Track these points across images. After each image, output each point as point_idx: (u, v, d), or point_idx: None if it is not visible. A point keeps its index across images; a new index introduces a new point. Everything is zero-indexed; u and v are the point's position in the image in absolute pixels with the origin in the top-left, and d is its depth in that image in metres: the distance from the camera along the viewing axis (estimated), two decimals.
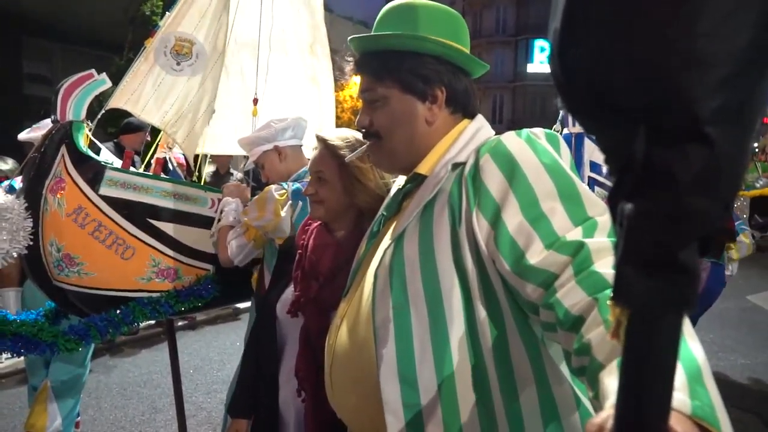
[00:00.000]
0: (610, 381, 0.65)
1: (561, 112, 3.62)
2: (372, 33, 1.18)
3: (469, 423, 0.98)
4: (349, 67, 1.23)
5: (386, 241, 1.14)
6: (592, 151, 3.55)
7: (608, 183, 3.51)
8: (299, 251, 1.58)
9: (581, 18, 0.45)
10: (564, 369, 1.03)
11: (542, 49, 31.04)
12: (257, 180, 2.79)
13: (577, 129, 3.57)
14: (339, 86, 20.19)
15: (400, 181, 1.30)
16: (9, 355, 4.34)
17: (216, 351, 5.44)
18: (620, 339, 0.48)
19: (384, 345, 1.03)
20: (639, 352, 0.46)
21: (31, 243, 1.93)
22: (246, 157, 2.36)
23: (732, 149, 0.43)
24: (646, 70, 0.42)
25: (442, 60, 1.14)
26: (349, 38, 1.18)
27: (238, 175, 2.96)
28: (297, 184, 2.04)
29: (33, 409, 2.90)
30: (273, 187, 2.04)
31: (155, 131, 2.49)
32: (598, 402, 0.69)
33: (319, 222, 1.59)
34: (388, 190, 1.43)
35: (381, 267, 1.09)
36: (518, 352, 0.99)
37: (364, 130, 1.21)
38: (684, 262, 0.43)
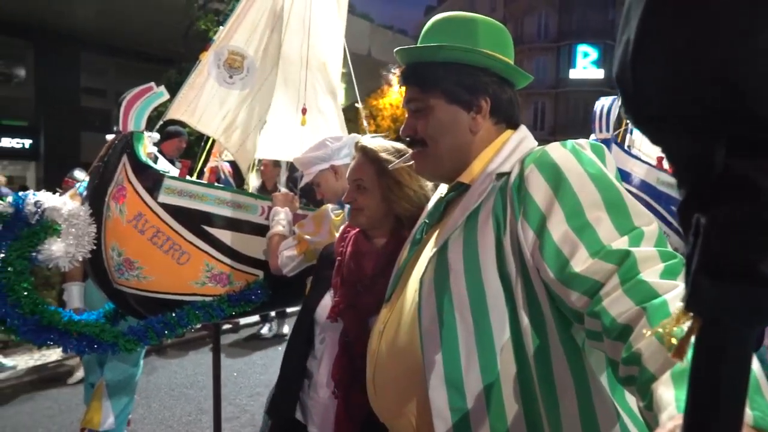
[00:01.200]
0: (666, 392, 0.64)
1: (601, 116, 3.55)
2: (418, 44, 1.20)
3: (516, 429, 0.99)
4: (395, 77, 1.25)
5: (430, 249, 1.16)
6: (618, 159, 3.48)
7: (634, 191, 3.42)
8: (338, 258, 1.62)
9: (660, 26, 0.44)
10: (604, 381, 1.02)
11: (585, 55, 30.42)
12: (302, 191, 2.85)
13: (604, 135, 3.51)
14: (379, 94, 20.34)
15: (441, 189, 1.32)
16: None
17: (259, 355, 5.55)
18: (683, 357, 0.47)
19: (431, 351, 1.05)
20: (713, 364, 0.44)
21: (95, 248, 2.04)
22: (292, 168, 2.41)
23: None
24: (730, 79, 0.41)
25: (487, 71, 1.16)
26: (395, 50, 1.21)
27: (283, 190, 3.04)
28: None
29: (89, 405, 3.04)
30: (330, 206, 2.08)
31: (199, 140, 2.57)
32: (649, 412, 0.68)
33: (357, 229, 1.62)
34: (427, 198, 1.45)
35: (426, 275, 1.10)
36: (559, 362, 0.99)
37: (408, 138, 1.24)
38: (765, 274, 0.42)
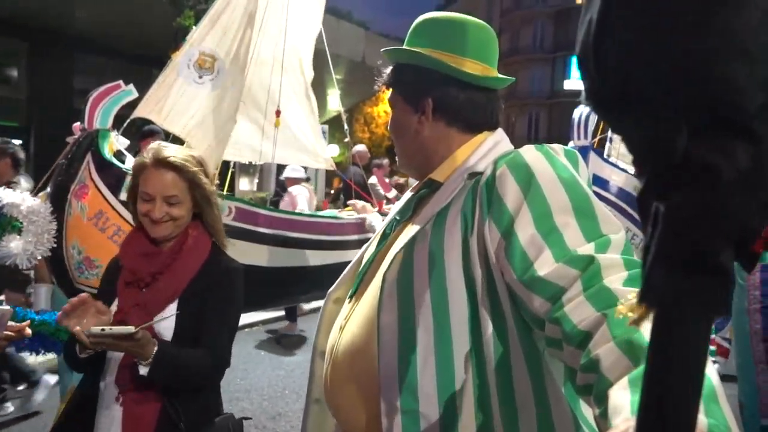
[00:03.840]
0: (622, 396, 0.63)
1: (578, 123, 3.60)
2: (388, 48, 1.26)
3: None
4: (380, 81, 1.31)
5: (397, 245, 1.15)
6: (596, 167, 3.52)
7: (612, 198, 3.44)
8: (120, 263, 1.62)
9: (621, 7, 0.43)
10: (565, 392, 1.01)
11: None
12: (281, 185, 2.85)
13: (583, 142, 3.56)
14: (373, 101, 20.43)
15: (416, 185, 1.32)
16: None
17: (240, 359, 5.49)
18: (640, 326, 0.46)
19: (387, 349, 1.04)
20: (666, 357, 0.42)
21: (55, 245, 2.01)
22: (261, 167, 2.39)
23: None
24: (691, 62, 0.40)
25: (437, 73, 1.16)
26: (382, 50, 1.27)
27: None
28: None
29: (60, 409, 3.01)
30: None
31: (176, 140, 2.56)
32: (603, 421, 0.67)
33: (137, 233, 1.63)
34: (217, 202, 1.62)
35: (389, 272, 1.09)
36: (520, 372, 0.98)
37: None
38: (723, 264, 0.41)
